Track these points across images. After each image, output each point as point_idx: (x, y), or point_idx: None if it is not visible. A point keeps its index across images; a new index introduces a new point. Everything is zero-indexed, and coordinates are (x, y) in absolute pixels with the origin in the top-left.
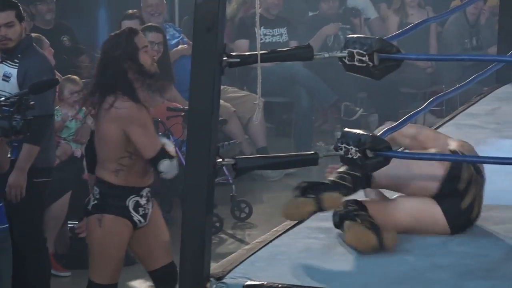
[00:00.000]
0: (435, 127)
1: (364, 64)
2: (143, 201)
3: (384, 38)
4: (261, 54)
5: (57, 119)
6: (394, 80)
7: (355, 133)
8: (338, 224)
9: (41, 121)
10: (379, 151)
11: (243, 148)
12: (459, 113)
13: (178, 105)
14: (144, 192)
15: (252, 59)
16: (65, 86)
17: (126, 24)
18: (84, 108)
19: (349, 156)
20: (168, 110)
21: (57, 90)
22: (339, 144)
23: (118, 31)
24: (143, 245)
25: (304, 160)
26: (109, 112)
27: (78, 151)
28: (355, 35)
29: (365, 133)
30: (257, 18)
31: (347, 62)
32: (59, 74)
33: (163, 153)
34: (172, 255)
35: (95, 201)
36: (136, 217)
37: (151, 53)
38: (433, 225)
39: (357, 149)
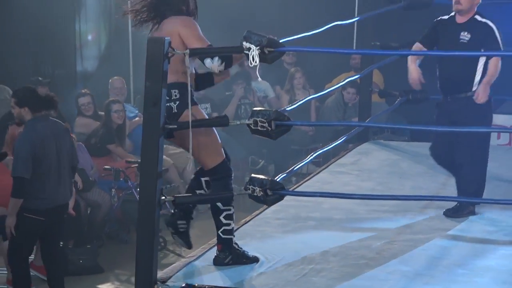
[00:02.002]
0: (314, 174)
1: (265, 129)
2: None
3: (279, 110)
4: (192, 122)
5: None
6: (286, 139)
7: (259, 178)
8: None
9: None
10: (276, 191)
11: (179, 188)
12: (331, 163)
13: (134, 159)
14: None
15: (185, 126)
16: None
17: (81, 100)
18: None
19: (255, 194)
20: (127, 163)
21: None
22: (248, 186)
23: None
24: None
25: (222, 197)
26: None
27: None
28: (259, 108)
29: (266, 178)
30: (189, 98)
31: (253, 127)
32: None
33: None
34: None
35: None
36: None
37: None
38: None
39: (260, 189)
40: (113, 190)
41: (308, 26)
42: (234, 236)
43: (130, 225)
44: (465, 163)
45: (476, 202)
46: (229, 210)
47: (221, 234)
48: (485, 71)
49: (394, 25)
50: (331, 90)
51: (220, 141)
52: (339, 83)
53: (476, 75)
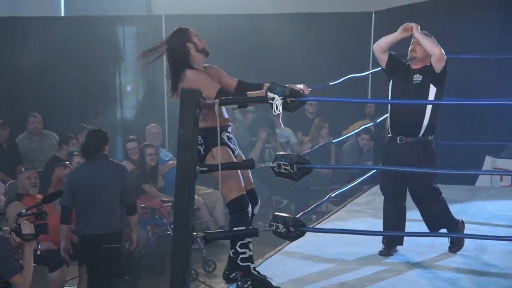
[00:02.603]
0: (332, 212)
1: (288, 171)
2: None
3: (300, 154)
4: (220, 165)
5: None
6: (306, 180)
7: (282, 215)
8: None
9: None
10: (297, 227)
11: (209, 225)
12: (348, 203)
13: (168, 198)
14: None
15: (215, 169)
16: None
17: (129, 145)
18: None
19: (278, 230)
20: (162, 202)
21: None
22: (272, 223)
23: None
24: None
25: (249, 233)
26: None
27: None
28: (282, 153)
29: (288, 216)
30: (218, 143)
31: (277, 170)
32: None
33: None
34: None
35: None
36: None
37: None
38: None
39: (283, 226)
40: (148, 226)
41: (326, 77)
42: (253, 263)
43: (165, 259)
44: (423, 201)
45: (478, 238)
46: (243, 240)
47: (239, 262)
48: (433, 114)
49: None
50: (347, 136)
51: (242, 181)
52: (354, 130)
53: (425, 118)
